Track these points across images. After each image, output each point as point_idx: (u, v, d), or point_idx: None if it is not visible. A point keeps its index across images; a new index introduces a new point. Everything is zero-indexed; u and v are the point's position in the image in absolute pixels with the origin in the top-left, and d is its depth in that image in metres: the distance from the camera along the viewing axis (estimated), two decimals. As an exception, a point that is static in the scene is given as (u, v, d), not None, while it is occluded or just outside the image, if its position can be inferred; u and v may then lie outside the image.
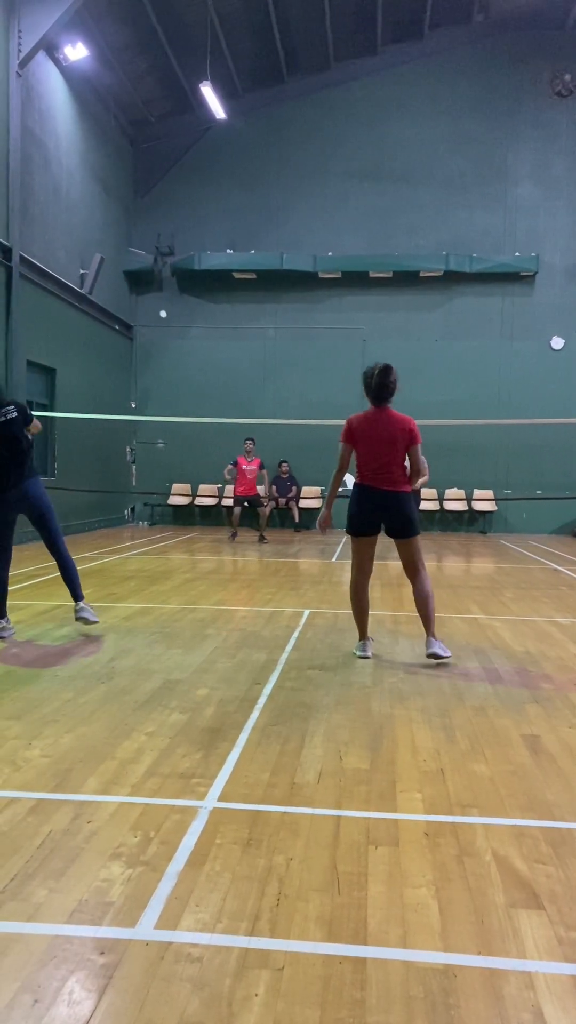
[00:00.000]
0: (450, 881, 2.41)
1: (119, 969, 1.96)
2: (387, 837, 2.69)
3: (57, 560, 5.87)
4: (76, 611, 5.86)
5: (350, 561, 5.52)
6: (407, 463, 5.28)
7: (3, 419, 5.57)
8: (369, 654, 5.31)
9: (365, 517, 5.27)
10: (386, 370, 5.19)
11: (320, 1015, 1.81)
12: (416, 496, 5.26)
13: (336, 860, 2.52)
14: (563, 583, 9.57)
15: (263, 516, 14.50)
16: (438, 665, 5.12)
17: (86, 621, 5.83)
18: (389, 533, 5.31)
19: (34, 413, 6.01)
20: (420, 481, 5.39)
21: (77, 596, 5.90)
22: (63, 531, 6.03)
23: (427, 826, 2.79)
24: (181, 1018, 1.79)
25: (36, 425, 5.83)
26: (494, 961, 2.03)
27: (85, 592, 6.11)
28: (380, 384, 5.18)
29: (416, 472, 5.31)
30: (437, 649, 5.16)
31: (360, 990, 1.90)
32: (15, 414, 5.62)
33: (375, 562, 5.49)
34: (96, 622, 5.90)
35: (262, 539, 14.21)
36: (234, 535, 14.46)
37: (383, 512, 5.24)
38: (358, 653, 5.32)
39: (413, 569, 5.30)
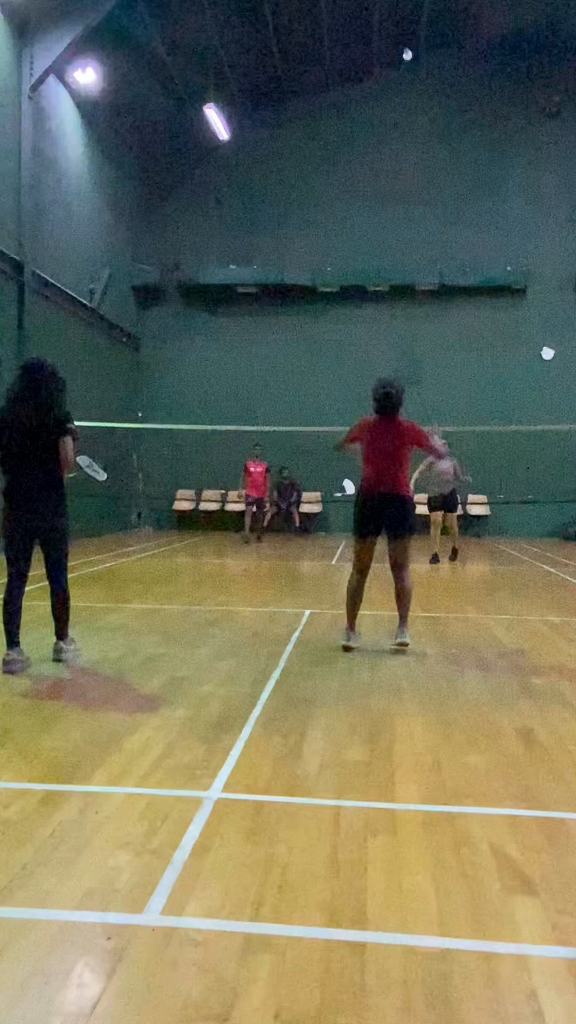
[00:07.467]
0: (447, 869, 2.46)
1: (126, 953, 2.01)
2: (386, 826, 2.75)
3: (51, 590, 5.17)
4: (55, 650, 5.13)
5: (351, 562, 5.74)
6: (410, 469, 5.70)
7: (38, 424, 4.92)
8: (353, 644, 5.52)
9: (368, 520, 5.56)
10: (380, 385, 5.57)
11: (321, 997, 1.86)
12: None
13: (336, 848, 2.58)
14: (555, 584, 9.66)
15: (251, 518, 15.00)
16: (433, 661, 5.24)
17: (65, 662, 5.06)
18: (388, 532, 5.55)
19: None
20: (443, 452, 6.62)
21: (60, 634, 5.16)
22: (74, 535, 5.55)
23: (424, 816, 2.84)
24: (186, 1001, 1.84)
25: (66, 447, 5.00)
26: (490, 945, 2.08)
27: (93, 594, 5.89)
28: (375, 398, 5.57)
29: (437, 454, 6.23)
30: (407, 639, 5.53)
31: (360, 974, 1.94)
32: (50, 422, 4.90)
33: (376, 564, 5.75)
34: (79, 660, 5.15)
35: (245, 540, 14.61)
36: (247, 539, 14.75)
37: (385, 513, 5.51)
38: (343, 642, 5.54)
39: (401, 566, 5.62)
